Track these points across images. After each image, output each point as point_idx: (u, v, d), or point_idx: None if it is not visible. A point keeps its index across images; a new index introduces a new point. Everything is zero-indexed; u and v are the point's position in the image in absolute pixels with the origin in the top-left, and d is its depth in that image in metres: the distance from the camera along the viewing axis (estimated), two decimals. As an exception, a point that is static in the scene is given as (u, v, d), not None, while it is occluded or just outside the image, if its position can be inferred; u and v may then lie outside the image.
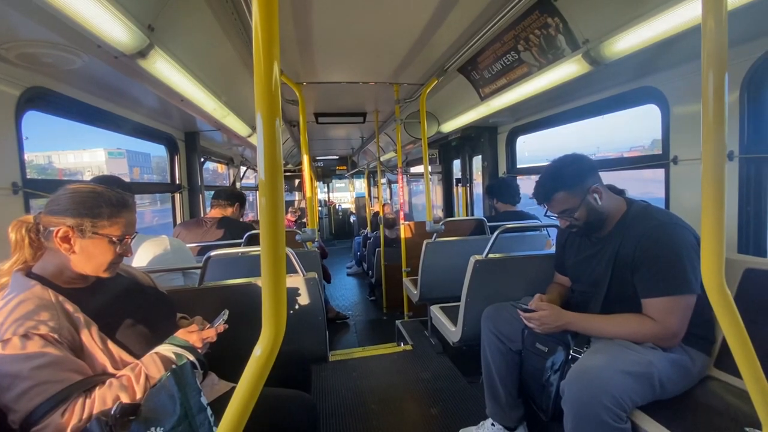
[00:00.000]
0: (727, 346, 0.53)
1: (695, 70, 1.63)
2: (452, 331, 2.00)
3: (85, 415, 0.85)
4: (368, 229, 5.78)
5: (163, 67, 1.48)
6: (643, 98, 1.95)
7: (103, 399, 0.88)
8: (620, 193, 1.44)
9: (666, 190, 1.81)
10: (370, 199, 7.56)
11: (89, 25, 1.08)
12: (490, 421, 1.71)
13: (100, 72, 1.60)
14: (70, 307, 0.94)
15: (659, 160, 1.83)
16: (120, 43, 1.21)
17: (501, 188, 2.81)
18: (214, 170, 6.27)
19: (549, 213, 1.46)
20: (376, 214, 4.95)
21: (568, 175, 1.38)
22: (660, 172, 1.86)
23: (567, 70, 1.77)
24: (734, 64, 1.47)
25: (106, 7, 1.07)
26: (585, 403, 1.11)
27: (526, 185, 2.98)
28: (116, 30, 1.17)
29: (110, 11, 1.09)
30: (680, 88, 1.72)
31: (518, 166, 3.31)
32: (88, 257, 0.99)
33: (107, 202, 1.01)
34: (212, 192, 2.68)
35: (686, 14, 1.20)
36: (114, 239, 1.00)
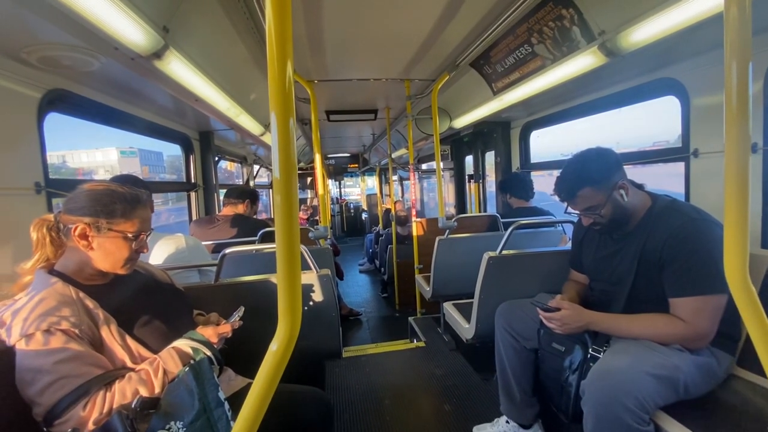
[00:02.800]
0: (751, 345, 0.51)
1: (716, 60, 1.58)
2: (465, 328, 2.00)
3: (105, 409, 0.87)
4: (380, 226, 5.79)
5: (178, 68, 1.50)
6: (661, 90, 1.89)
7: (123, 392, 0.90)
8: (640, 187, 1.40)
9: (686, 184, 1.76)
10: (382, 197, 7.56)
11: (107, 28, 1.10)
12: (504, 418, 1.69)
13: (117, 73, 1.64)
14: (90, 303, 0.97)
15: (679, 153, 1.78)
16: (136, 44, 1.24)
17: (514, 184, 2.77)
18: (224, 169, 6.34)
19: (570, 210, 1.41)
20: (388, 211, 4.95)
21: (593, 171, 1.32)
22: (675, 167, 1.81)
23: (582, 62, 1.73)
24: (757, 53, 1.41)
25: (123, 10, 1.09)
26: (607, 404, 1.08)
27: (540, 181, 2.94)
28: (133, 32, 1.19)
29: (127, 14, 1.11)
30: (701, 79, 1.67)
31: (532, 162, 3.26)
32: (105, 254, 1.01)
33: (122, 199, 1.03)
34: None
35: (707, 2, 1.15)
36: (129, 235, 1.03)
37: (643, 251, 1.29)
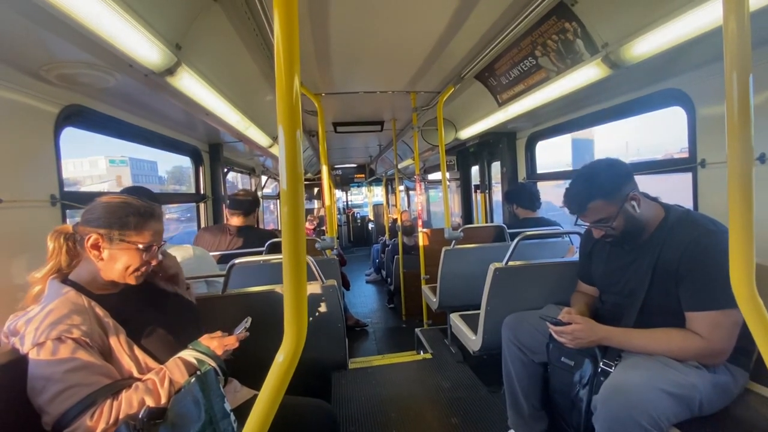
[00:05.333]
0: (762, 358, 0.51)
1: (721, 71, 1.57)
2: (472, 340, 1.98)
3: (112, 419, 0.87)
4: (386, 236, 5.80)
5: (190, 83, 1.55)
6: (667, 100, 1.89)
7: (130, 402, 0.90)
8: (654, 199, 1.36)
9: (694, 194, 1.75)
10: (389, 207, 7.58)
11: (123, 47, 1.15)
12: (512, 432, 1.67)
13: (131, 89, 1.69)
14: (100, 312, 0.98)
15: (686, 163, 1.77)
16: (150, 62, 1.28)
17: (521, 194, 2.77)
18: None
19: (580, 222, 1.38)
20: (395, 221, 4.96)
21: (603, 182, 1.28)
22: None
23: (586, 74, 1.74)
24: (761, 64, 1.40)
25: (138, 30, 1.14)
26: (620, 421, 1.05)
27: (547, 191, 2.93)
28: (147, 50, 1.24)
29: (142, 33, 1.16)
30: (706, 90, 1.67)
31: (539, 172, 3.26)
32: (114, 264, 1.03)
33: (135, 212, 1.05)
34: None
35: (708, 16, 1.16)
36: (140, 247, 1.04)
37: (657, 263, 1.25)
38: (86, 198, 1.11)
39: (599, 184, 1.29)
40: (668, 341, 1.19)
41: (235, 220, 2.51)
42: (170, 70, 1.37)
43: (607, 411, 1.09)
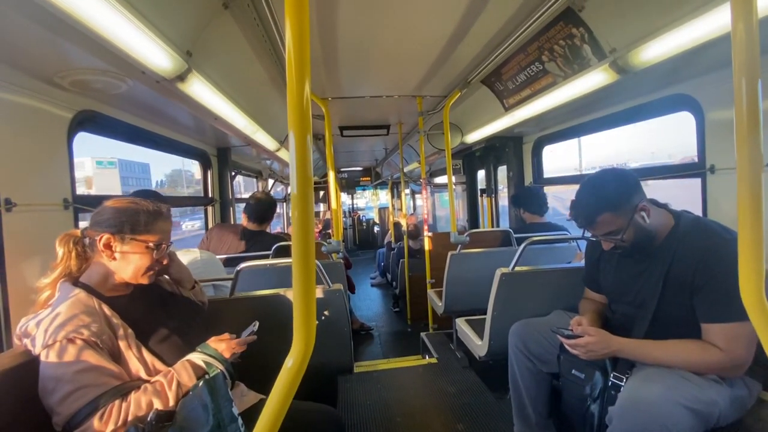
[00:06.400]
0: None
1: (730, 76, 1.56)
2: (478, 345, 1.97)
3: (121, 420, 0.87)
4: (392, 239, 5.80)
5: (200, 89, 1.57)
6: (675, 106, 1.88)
7: (138, 403, 0.91)
8: (662, 206, 1.33)
9: (703, 200, 1.73)
10: (394, 210, 7.59)
11: (136, 54, 1.17)
12: (518, 440, 1.65)
13: (143, 95, 1.72)
14: (110, 313, 1.00)
15: (695, 169, 1.76)
16: (162, 68, 1.31)
17: (527, 198, 2.75)
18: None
19: (588, 234, 1.33)
20: (398, 224, 4.96)
21: (611, 195, 1.24)
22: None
23: (594, 79, 1.73)
24: None
25: (151, 37, 1.16)
26: None
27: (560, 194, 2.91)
28: (159, 57, 1.26)
29: (154, 41, 1.18)
30: (715, 95, 1.65)
31: (545, 176, 3.25)
32: (127, 263, 1.05)
33: (145, 211, 1.08)
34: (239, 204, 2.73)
35: (716, 21, 1.15)
36: (151, 245, 1.07)
37: (668, 273, 1.22)
38: (98, 202, 1.13)
39: (607, 197, 1.25)
40: (687, 354, 1.15)
41: (248, 223, 2.54)
42: (181, 77, 1.39)
43: (624, 425, 1.06)
